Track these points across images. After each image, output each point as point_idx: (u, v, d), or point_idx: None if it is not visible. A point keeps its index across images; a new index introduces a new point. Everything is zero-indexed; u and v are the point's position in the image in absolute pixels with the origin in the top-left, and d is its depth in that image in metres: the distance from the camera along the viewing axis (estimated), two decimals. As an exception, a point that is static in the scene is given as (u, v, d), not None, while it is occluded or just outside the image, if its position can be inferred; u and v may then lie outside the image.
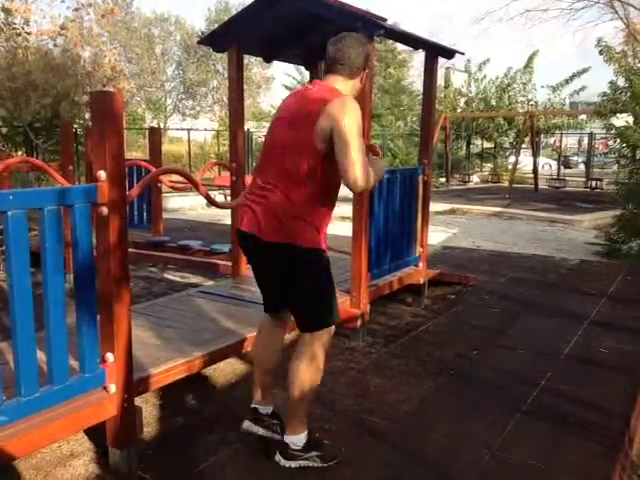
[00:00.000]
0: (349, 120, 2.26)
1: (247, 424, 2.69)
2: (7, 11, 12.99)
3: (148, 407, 3.04)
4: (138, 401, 2.60)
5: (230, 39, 4.54)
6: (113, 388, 2.39)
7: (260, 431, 2.67)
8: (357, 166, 2.24)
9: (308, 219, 2.38)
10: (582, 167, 23.84)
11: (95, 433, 2.63)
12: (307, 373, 2.45)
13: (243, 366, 3.63)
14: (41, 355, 2.21)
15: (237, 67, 4.61)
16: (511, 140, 22.07)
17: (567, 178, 19.02)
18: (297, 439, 2.50)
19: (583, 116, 20.78)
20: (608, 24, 18.98)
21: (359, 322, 4.06)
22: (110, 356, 2.37)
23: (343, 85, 2.48)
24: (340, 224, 9.45)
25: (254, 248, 2.48)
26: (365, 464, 2.56)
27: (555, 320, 4.63)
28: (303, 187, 2.34)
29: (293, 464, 2.48)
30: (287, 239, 2.35)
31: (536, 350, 3.96)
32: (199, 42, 5.12)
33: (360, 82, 2.57)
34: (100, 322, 2.37)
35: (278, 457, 2.50)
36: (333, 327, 2.53)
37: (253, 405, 2.73)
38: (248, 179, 5.29)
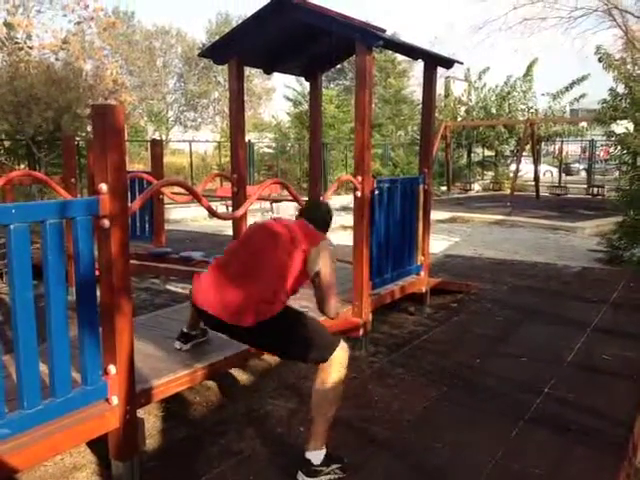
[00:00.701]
0: None
1: (178, 344, 3.10)
2: (9, 26, 13.10)
3: (150, 419, 3.04)
4: (140, 413, 2.60)
5: (231, 51, 4.58)
6: (115, 400, 2.39)
7: (187, 346, 3.09)
8: None
9: None
10: (583, 174, 23.85)
11: (97, 445, 2.63)
12: (327, 393, 2.55)
13: (245, 377, 3.63)
14: (43, 367, 2.22)
15: (238, 79, 4.64)
16: (512, 148, 22.10)
17: (568, 185, 19.02)
18: (317, 454, 2.52)
19: (584, 123, 20.81)
20: (607, 31, 19.07)
21: (361, 331, 4.06)
22: (112, 368, 2.37)
23: None
24: (342, 233, 9.46)
25: None
26: (368, 474, 2.56)
27: (558, 327, 4.62)
28: None
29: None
30: None
31: (539, 358, 3.95)
32: (200, 54, 5.16)
33: None
34: (102, 334, 2.37)
35: (301, 476, 2.49)
36: (340, 346, 2.59)
37: (185, 330, 3.11)
38: (249, 190, 5.32)
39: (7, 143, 11.68)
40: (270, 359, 3.88)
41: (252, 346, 2.92)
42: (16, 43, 12.51)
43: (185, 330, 3.13)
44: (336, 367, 2.55)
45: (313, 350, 2.58)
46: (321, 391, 2.54)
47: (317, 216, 2.92)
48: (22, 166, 11.46)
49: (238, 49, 4.54)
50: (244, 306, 2.53)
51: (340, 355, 2.57)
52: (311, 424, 2.58)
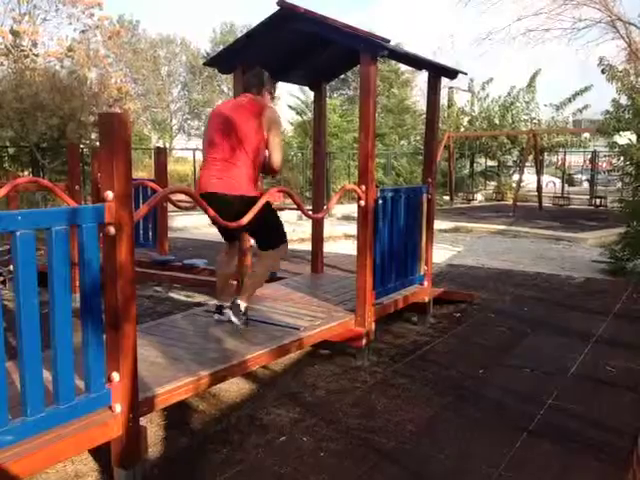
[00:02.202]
0: None
1: (217, 316, 3.86)
2: (15, 33, 13.22)
3: (153, 427, 3.03)
4: (143, 421, 2.60)
5: (236, 61, 4.61)
6: (118, 408, 2.39)
7: (225, 317, 3.81)
8: None
9: None
10: (586, 185, 23.83)
11: (100, 453, 2.62)
12: (261, 272, 3.89)
13: (248, 386, 3.62)
14: (46, 374, 2.22)
15: (243, 88, 4.65)
16: (515, 158, 22.13)
17: (571, 196, 19.01)
18: (242, 304, 3.73)
19: (586, 134, 20.83)
20: (610, 43, 19.12)
21: (364, 341, 4.05)
22: (116, 375, 2.37)
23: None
24: (345, 242, 9.46)
25: None
26: (371, 485, 2.54)
27: (561, 338, 4.61)
28: None
29: (237, 320, 3.70)
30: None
31: (543, 369, 3.94)
32: (205, 64, 5.19)
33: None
34: (106, 341, 2.38)
35: (228, 311, 3.75)
36: (283, 244, 3.85)
37: (218, 303, 3.91)
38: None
39: (11, 150, 11.73)
40: (273, 367, 3.88)
41: (233, 218, 3.29)
42: (22, 51, 12.62)
43: (218, 303, 3.91)
44: (273, 256, 3.81)
45: (269, 239, 3.78)
46: (261, 266, 3.85)
47: (252, 82, 3.83)
48: (26, 173, 11.51)
49: (243, 58, 4.57)
50: (233, 181, 3.57)
51: (281, 251, 3.83)
52: (246, 284, 3.86)
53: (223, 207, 3.39)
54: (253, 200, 3.40)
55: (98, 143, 2.42)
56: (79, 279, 2.30)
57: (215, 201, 3.37)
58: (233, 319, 3.71)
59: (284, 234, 3.88)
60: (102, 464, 2.64)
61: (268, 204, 3.58)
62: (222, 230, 3.78)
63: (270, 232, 3.80)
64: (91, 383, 2.33)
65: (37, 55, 13.03)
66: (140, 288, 5.96)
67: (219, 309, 3.88)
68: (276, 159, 3.73)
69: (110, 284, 2.33)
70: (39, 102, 10.58)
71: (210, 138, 3.74)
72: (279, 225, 3.86)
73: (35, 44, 13.31)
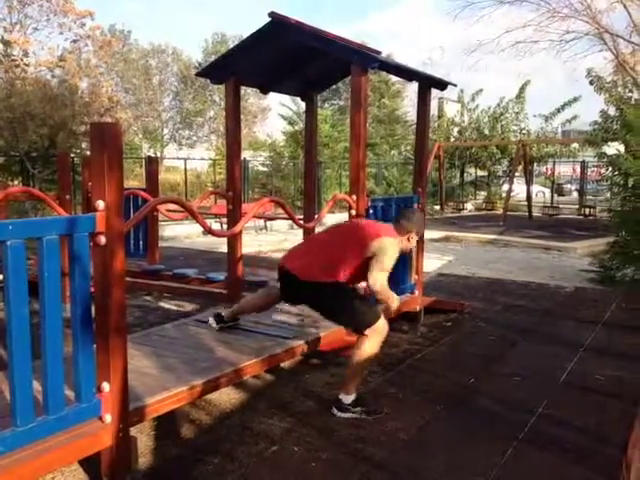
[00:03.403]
0: None
1: (211, 320, 3.83)
2: (6, 43, 13.20)
3: (143, 437, 3.01)
4: (133, 431, 2.59)
5: (227, 71, 4.63)
6: (109, 418, 2.38)
7: (216, 326, 3.80)
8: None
9: None
10: (575, 195, 24.02)
11: (90, 464, 2.60)
12: (360, 356, 3.34)
13: (239, 395, 3.61)
14: (36, 384, 2.21)
15: (234, 98, 4.68)
16: (504, 168, 22.28)
17: (561, 205, 19.15)
18: (347, 397, 3.32)
19: (575, 144, 21.02)
20: (598, 55, 19.31)
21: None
22: (106, 385, 2.37)
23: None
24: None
25: None
26: (362, 494, 2.54)
27: (551, 347, 4.64)
28: None
29: (344, 415, 3.28)
30: None
31: (533, 378, 3.96)
32: (197, 74, 5.22)
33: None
34: (96, 351, 2.37)
35: (334, 410, 3.31)
36: (378, 324, 3.34)
37: (222, 312, 3.86)
38: (245, 207, 5.34)
39: (1, 159, 11.68)
40: (265, 377, 3.87)
41: (312, 304, 3.54)
42: (13, 60, 12.60)
43: (223, 313, 3.85)
44: (372, 340, 3.32)
45: (354, 322, 3.39)
46: (357, 353, 3.33)
47: (399, 218, 3.67)
48: (16, 182, 11.46)
49: (235, 69, 4.59)
50: (315, 269, 3.36)
51: (378, 329, 3.33)
52: (345, 374, 3.43)
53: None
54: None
55: (89, 152, 2.43)
56: (70, 289, 2.29)
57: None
58: (339, 414, 3.31)
59: (369, 309, 3.43)
60: (92, 475, 2.62)
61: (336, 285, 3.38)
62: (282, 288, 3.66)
63: (345, 311, 3.41)
64: (81, 393, 2.32)
65: (28, 64, 13.02)
66: (130, 298, 5.93)
67: (218, 317, 3.85)
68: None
69: (101, 294, 2.33)
70: (30, 111, 10.56)
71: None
72: (353, 300, 3.45)
73: (26, 53, 13.31)
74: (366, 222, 3.79)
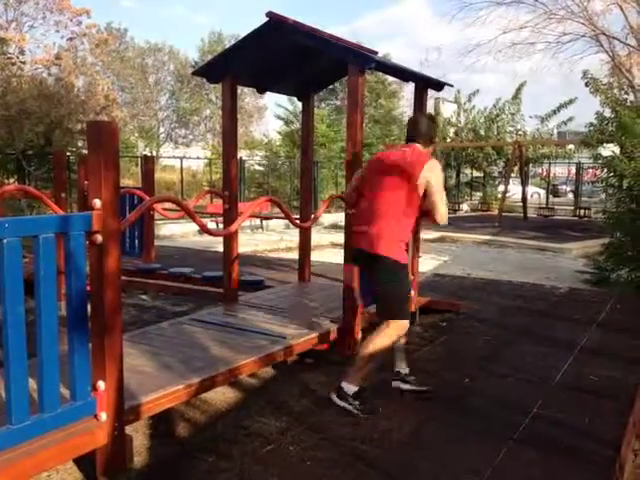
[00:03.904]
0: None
1: (395, 383, 3.62)
2: (2, 40, 13.15)
3: (138, 436, 3.01)
4: (129, 430, 2.58)
5: (224, 70, 4.63)
6: (104, 416, 2.38)
7: (406, 386, 3.59)
8: None
9: None
10: (571, 196, 24.11)
11: (85, 462, 2.60)
12: (372, 346, 3.29)
13: (234, 394, 3.61)
14: (32, 382, 2.21)
15: (231, 97, 4.68)
16: (500, 169, 22.34)
17: (556, 207, 19.23)
18: (349, 387, 3.29)
19: (571, 146, 21.09)
20: (594, 56, 19.36)
21: (351, 349, 4.06)
22: (101, 384, 2.37)
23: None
24: (332, 251, 9.49)
25: None
26: (357, 493, 2.55)
27: (546, 348, 4.65)
28: None
29: (340, 403, 3.27)
30: None
31: (527, 378, 3.97)
32: (194, 73, 5.21)
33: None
34: (92, 350, 2.37)
35: (333, 396, 3.30)
36: (404, 321, 3.32)
37: (396, 369, 3.66)
38: (241, 206, 5.34)
39: (-3, 157, 11.65)
40: (261, 376, 3.87)
41: (371, 276, 3.40)
42: (9, 58, 12.55)
43: (396, 369, 3.67)
44: (390, 332, 3.28)
45: (388, 309, 3.32)
46: (373, 340, 3.28)
47: (418, 133, 3.43)
48: (11, 180, 11.42)
49: (232, 69, 4.59)
50: (376, 240, 3.26)
51: (400, 325, 3.30)
52: (354, 362, 3.35)
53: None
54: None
55: (85, 151, 2.43)
56: (65, 287, 2.29)
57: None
58: (336, 400, 3.32)
59: (406, 304, 3.42)
60: (87, 473, 2.61)
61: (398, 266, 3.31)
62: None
63: (392, 299, 3.35)
64: (77, 391, 2.32)
65: (24, 62, 12.97)
66: (126, 296, 5.93)
67: (397, 374, 3.69)
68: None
69: (96, 292, 2.33)
70: (26, 109, 10.53)
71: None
72: (403, 294, 3.41)
73: (22, 51, 13.27)
74: (392, 154, 3.48)
